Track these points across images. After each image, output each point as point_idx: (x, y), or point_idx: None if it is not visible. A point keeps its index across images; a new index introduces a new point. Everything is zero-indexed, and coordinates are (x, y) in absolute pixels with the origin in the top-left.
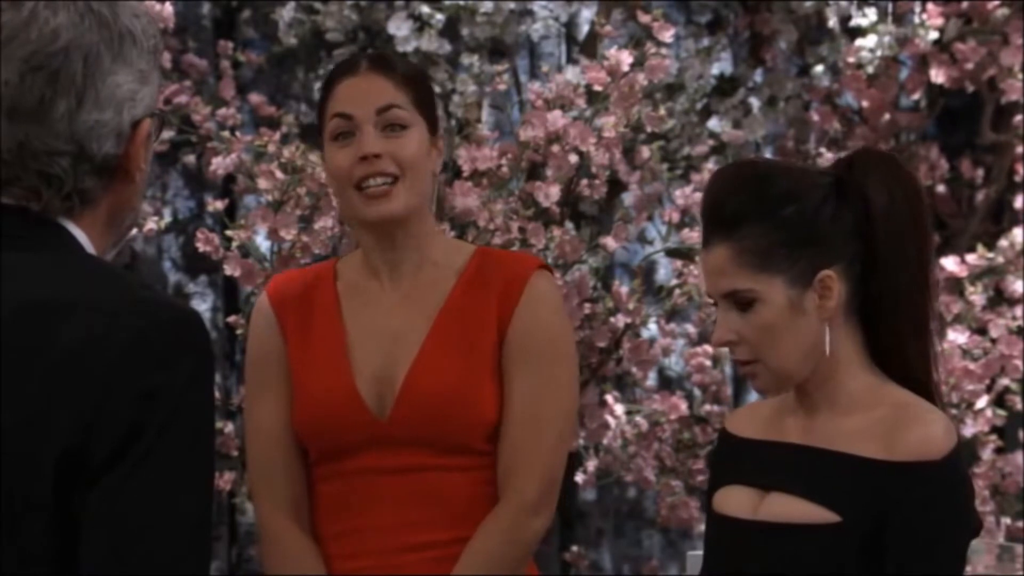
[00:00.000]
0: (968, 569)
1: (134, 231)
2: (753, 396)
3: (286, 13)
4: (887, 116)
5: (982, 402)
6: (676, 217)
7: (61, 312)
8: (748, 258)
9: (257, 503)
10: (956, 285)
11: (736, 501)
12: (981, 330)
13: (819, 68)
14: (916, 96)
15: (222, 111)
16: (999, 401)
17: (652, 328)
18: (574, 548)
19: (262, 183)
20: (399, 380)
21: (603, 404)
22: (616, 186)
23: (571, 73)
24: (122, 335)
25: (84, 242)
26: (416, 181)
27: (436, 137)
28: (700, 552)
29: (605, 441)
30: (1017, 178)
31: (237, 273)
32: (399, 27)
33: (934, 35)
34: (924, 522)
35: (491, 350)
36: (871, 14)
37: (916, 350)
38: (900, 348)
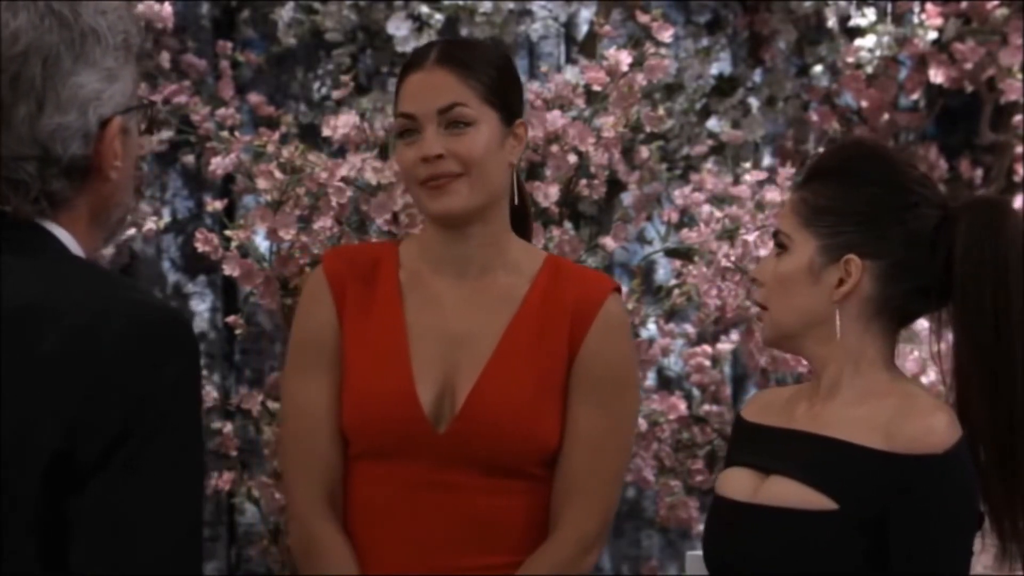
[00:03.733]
0: None
1: (132, 231)
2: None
3: (285, 13)
4: (886, 116)
5: None
6: (675, 217)
7: (47, 316)
8: (802, 209)
9: (291, 487)
10: None
11: (737, 483)
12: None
13: (818, 68)
14: (915, 96)
15: (221, 111)
16: None
17: (651, 328)
18: None
19: (261, 183)
20: (463, 390)
21: None
22: (615, 186)
23: (570, 73)
24: (109, 337)
25: (68, 242)
26: (482, 177)
27: (514, 126)
28: (699, 552)
29: None
30: (1016, 178)
31: (236, 273)
32: (398, 27)
33: (933, 35)
34: (930, 516)
35: (560, 371)
36: (870, 14)
37: (982, 396)
38: (965, 389)
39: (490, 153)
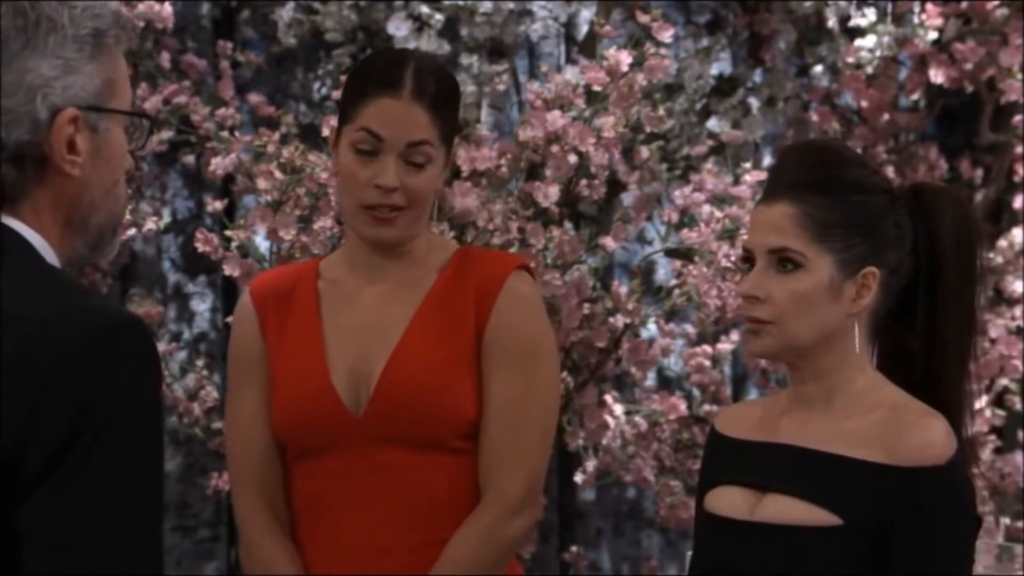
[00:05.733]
0: None
1: (132, 231)
2: (752, 396)
3: (285, 13)
4: (886, 116)
5: (981, 402)
6: (675, 217)
7: None
8: (809, 223)
9: (236, 502)
10: None
11: (730, 501)
12: (980, 330)
13: (818, 68)
14: (915, 96)
15: (221, 111)
16: (998, 401)
17: (651, 328)
18: (573, 548)
19: (261, 183)
20: (375, 375)
21: (602, 404)
22: (615, 186)
23: (570, 73)
24: (55, 344)
25: (36, 243)
26: (421, 210)
27: (450, 154)
28: None
29: (604, 441)
30: (1016, 178)
31: (236, 273)
32: (398, 27)
33: (933, 35)
34: (933, 527)
35: (469, 348)
36: (870, 14)
37: (957, 387)
38: (942, 383)
39: (433, 188)
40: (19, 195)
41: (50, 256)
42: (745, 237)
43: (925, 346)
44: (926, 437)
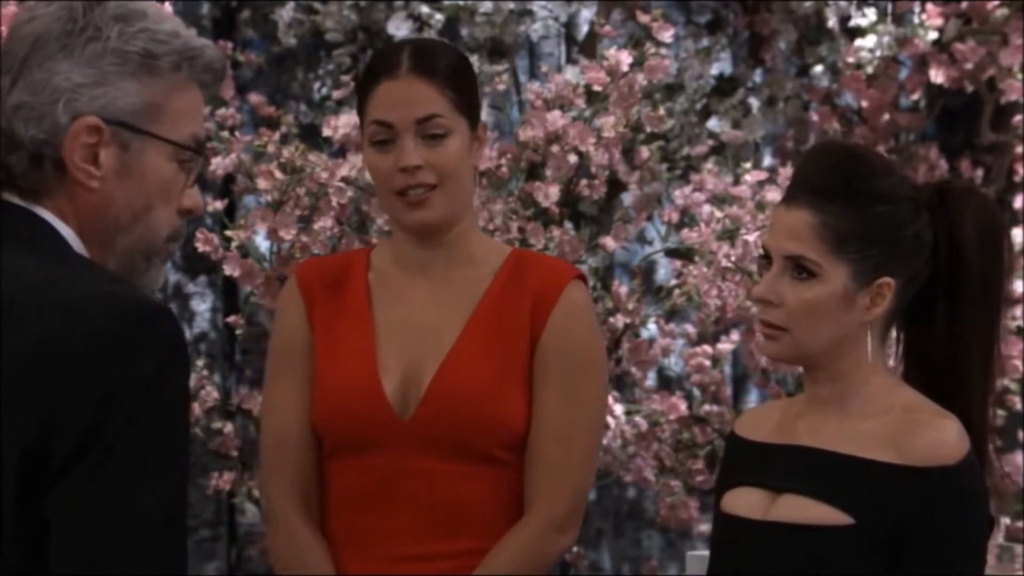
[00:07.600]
0: None
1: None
2: (752, 396)
3: (285, 13)
4: (886, 116)
5: None
6: (675, 217)
7: (24, 307)
8: (827, 233)
9: (266, 487)
10: None
11: (746, 502)
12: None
13: (818, 68)
14: (915, 96)
15: (221, 111)
16: (999, 401)
17: (651, 328)
18: (574, 548)
19: (261, 183)
20: (427, 378)
21: None
22: (615, 186)
23: (570, 73)
24: (83, 331)
25: (65, 233)
26: (455, 187)
27: (477, 130)
28: (700, 552)
29: (604, 441)
30: (1016, 178)
31: (236, 273)
32: (399, 27)
33: (933, 35)
34: (944, 527)
35: (523, 356)
36: (870, 14)
37: (980, 391)
38: (965, 387)
39: (462, 162)
40: (43, 193)
41: (78, 247)
42: (764, 235)
43: (944, 349)
44: (938, 437)
